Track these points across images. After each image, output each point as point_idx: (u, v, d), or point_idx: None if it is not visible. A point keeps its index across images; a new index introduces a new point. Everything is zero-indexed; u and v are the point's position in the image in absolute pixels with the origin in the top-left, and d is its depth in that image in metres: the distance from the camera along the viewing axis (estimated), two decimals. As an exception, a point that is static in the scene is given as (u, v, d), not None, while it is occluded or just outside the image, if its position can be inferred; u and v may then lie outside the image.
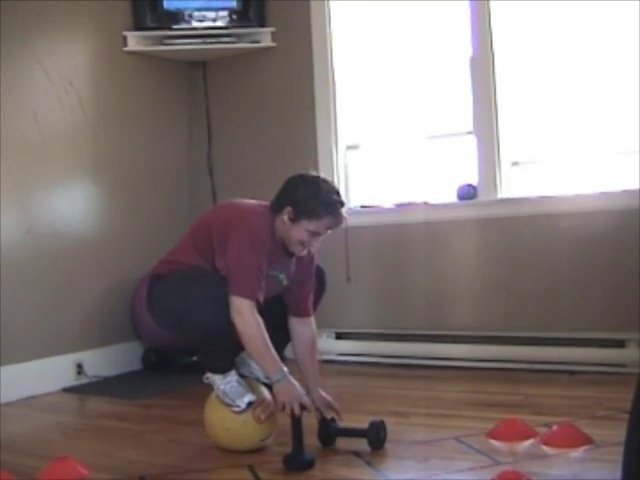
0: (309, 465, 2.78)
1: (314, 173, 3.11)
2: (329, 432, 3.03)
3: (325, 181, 3.06)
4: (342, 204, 3.02)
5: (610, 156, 4.20)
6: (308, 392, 3.05)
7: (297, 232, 2.99)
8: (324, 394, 3.14)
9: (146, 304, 3.22)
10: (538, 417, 3.21)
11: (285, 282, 3.16)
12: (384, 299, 4.74)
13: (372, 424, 2.97)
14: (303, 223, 2.97)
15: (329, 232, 3.06)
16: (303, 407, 2.85)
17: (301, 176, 3.09)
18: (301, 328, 3.25)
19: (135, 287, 4.57)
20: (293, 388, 2.89)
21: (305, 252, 3.10)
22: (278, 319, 3.17)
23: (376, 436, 2.96)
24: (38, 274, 4.38)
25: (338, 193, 3.04)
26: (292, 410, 2.83)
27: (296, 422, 2.82)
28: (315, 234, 3.01)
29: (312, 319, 3.28)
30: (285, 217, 2.99)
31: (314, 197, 2.97)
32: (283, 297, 3.24)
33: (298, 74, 5.05)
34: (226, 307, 2.90)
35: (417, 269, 4.61)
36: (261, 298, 2.94)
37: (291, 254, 3.10)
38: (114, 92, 4.92)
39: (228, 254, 2.95)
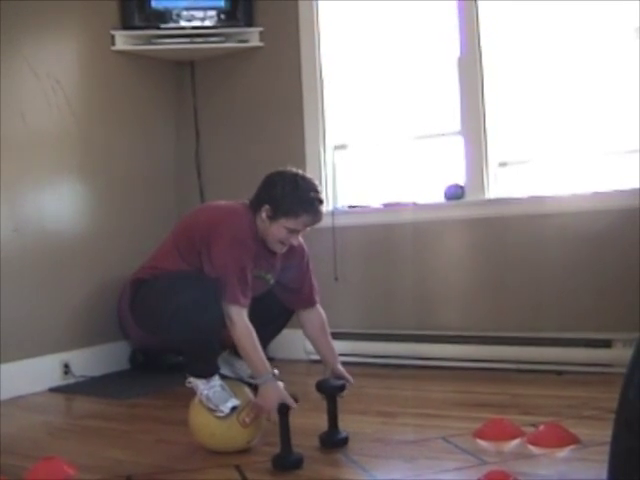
0: (297, 465, 2.78)
1: (293, 170, 3.10)
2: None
3: (304, 178, 3.07)
4: (320, 201, 3.04)
5: (598, 156, 4.21)
6: (327, 369, 3.21)
7: (276, 230, 3.01)
8: (341, 369, 3.20)
9: (129, 309, 3.22)
10: (525, 417, 3.22)
11: (272, 281, 3.19)
12: (372, 299, 4.75)
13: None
14: (281, 221, 2.99)
15: (308, 229, 3.08)
16: (288, 407, 2.84)
17: (279, 173, 3.09)
18: (309, 315, 3.31)
19: (122, 287, 4.56)
20: (277, 390, 2.88)
21: (284, 250, 3.11)
22: (265, 315, 3.18)
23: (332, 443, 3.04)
24: (25, 273, 4.36)
25: (316, 190, 3.05)
26: (278, 411, 2.82)
27: (283, 422, 2.82)
28: (294, 231, 3.03)
29: (318, 305, 3.33)
30: (263, 215, 3.01)
31: (292, 195, 2.99)
32: (282, 296, 3.28)
33: (286, 74, 5.05)
34: (211, 310, 2.90)
35: (405, 269, 4.62)
36: (247, 302, 2.96)
37: (274, 252, 3.11)
38: (102, 91, 4.91)
39: (213, 261, 2.97)
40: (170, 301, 2.93)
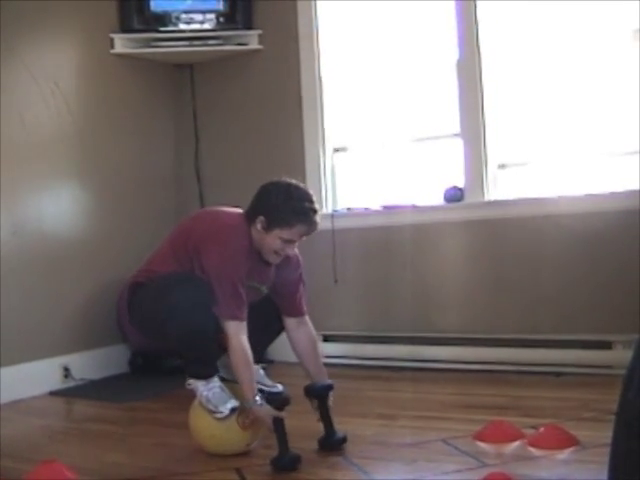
0: (295, 463, 2.79)
1: (287, 180, 3.11)
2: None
3: (297, 188, 3.07)
4: (315, 211, 3.03)
5: (597, 158, 4.22)
6: None
7: (271, 240, 3.02)
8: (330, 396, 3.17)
9: (127, 314, 3.25)
10: (525, 419, 3.22)
11: (265, 291, 3.21)
12: (371, 301, 4.75)
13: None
14: (276, 231, 3.00)
15: (304, 239, 3.08)
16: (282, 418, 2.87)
17: (273, 184, 3.10)
18: (298, 331, 3.28)
19: (121, 290, 4.56)
20: (265, 411, 2.89)
21: (279, 261, 3.12)
22: (261, 321, 3.19)
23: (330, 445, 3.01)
24: (24, 277, 4.36)
25: (311, 200, 3.04)
26: (273, 422, 2.85)
27: (278, 424, 2.83)
28: (289, 242, 3.03)
29: (307, 318, 3.30)
30: (258, 226, 3.02)
31: (285, 205, 2.99)
32: (273, 299, 3.27)
33: (285, 77, 5.05)
34: (206, 311, 2.93)
35: (404, 271, 4.62)
36: (244, 315, 2.97)
37: (269, 263, 3.12)
38: (101, 94, 4.91)
39: (205, 274, 2.99)
40: (164, 302, 2.96)
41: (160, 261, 3.21)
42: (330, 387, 3.10)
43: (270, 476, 2.76)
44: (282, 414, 2.86)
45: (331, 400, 3.09)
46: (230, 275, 2.97)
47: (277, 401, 2.91)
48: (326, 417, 3.05)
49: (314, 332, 3.32)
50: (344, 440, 3.03)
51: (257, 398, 2.90)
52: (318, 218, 3.06)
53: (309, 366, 3.24)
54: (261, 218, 3.01)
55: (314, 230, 3.07)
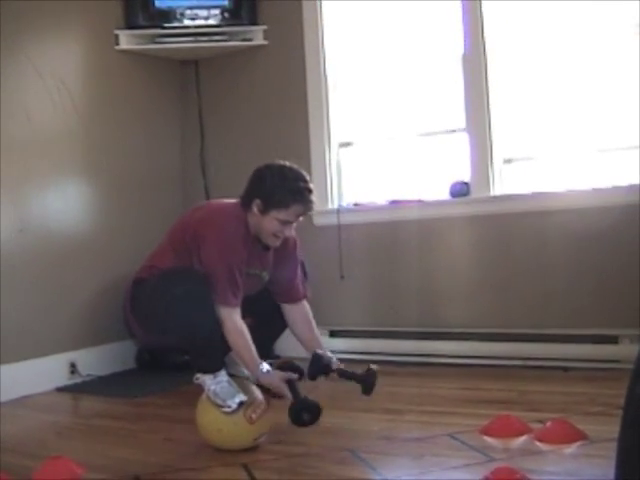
0: (318, 411, 2.88)
1: (280, 162, 3.14)
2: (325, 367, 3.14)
3: (291, 169, 3.10)
4: (309, 190, 3.07)
5: (602, 152, 4.20)
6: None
7: (268, 223, 3.05)
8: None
9: (131, 310, 3.28)
10: (532, 413, 3.22)
11: (267, 277, 3.23)
12: (378, 296, 4.75)
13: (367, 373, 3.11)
14: (272, 213, 3.03)
15: (300, 219, 3.10)
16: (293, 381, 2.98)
17: (267, 167, 3.14)
18: (295, 311, 3.34)
19: (127, 286, 4.56)
20: (274, 374, 2.98)
21: (279, 243, 3.14)
22: (269, 309, 3.21)
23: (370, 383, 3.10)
24: (31, 274, 4.36)
25: (305, 179, 3.08)
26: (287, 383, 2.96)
27: (292, 384, 2.95)
28: (286, 223, 3.06)
29: (305, 302, 3.34)
30: (255, 210, 3.06)
31: (280, 186, 3.03)
32: (270, 288, 3.28)
33: (290, 72, 5.05)
34: (208, 304, 2.95)
35: (410, 266, 4.62)
36: (237, 302, 3.00)
37: (268, 247, 3.13)
38: (106, 91, 4.91)
39: (202, 263, 3.03)
40: (163, 299, 2.99)
41: (160, 256, 3.24)
42: (325, 367, 3.16)
43: (277, 472, 2.75)
44: (293, 376, 2.95)
45: (335, 364, 3.17)
46: (227, 260, 3.00)
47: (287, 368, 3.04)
48: (345, 374, 3.16)
49: (310, 312, 3.37)
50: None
51: (261, 367, 2.96)
52: (314, 197, 3.09)
53: (303, 334, 3.32)
54: (257, 201, 3.04)
55: (310, 210, 3.11)
